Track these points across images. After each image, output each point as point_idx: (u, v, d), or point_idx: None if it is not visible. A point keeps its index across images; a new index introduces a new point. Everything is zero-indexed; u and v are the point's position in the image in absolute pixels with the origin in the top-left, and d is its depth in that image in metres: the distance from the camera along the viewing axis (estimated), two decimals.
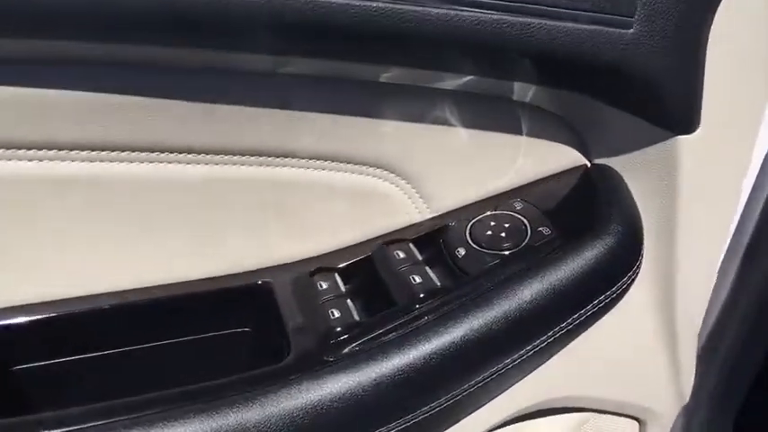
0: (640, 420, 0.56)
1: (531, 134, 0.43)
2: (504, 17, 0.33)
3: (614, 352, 0.48)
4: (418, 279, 0.38)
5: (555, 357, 0.42)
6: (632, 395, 0.53)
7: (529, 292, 0.37)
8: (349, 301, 0.39)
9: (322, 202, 0.41)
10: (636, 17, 0.35)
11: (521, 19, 0.33)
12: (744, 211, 0.54)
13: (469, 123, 0.41)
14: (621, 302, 0.42)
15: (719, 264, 0.53)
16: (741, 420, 0.71)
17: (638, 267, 0.41)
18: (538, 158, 0.44)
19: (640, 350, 0.50)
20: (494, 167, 0.44)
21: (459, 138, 0.42)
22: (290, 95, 0.38)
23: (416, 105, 0.40)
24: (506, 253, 0.40)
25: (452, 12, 0.33)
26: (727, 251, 0.53)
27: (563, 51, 0.35)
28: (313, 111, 0.39)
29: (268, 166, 0.40)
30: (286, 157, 0.40)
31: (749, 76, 0.44)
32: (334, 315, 0.38)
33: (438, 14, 0.32)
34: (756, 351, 0.68)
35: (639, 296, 0.46)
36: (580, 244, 0.38)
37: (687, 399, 0.57)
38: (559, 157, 0.44)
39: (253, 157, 0.39)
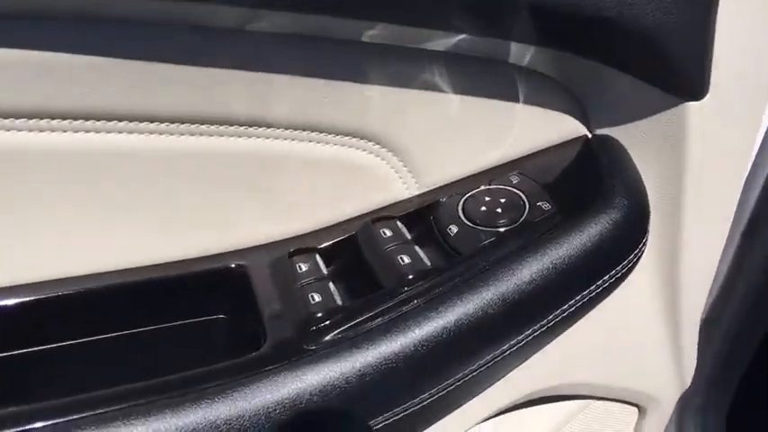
0: (640, 407, 0.54)
1: (528, 102, 0.40)
2: None
3: (616, 336, 0.46)
4: (407, 259, 0.35)
5: (554, 342, 0.39)
6: (633, 381, 0.50)
7: (528, 271, 0.34)
8: (331, 284, 0.36)
9: (300, 177, 0.38)
10: None
11: None
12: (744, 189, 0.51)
13: (461, 89, 0.38)
14: (625, 282, 0.39)
15: (724, 243, 0.51)
16: (735, 407, 0.70)
17: (645, 244, 0.38)
18: (535, 128, 0.41)
19: (642, 333, 0.48)
20: (488, 138, 0.40)
21: (451, 105, 0.38)
22: (263, 56, 0.34)
23: (403, 69, 0.37)
24: (502, 230, 0.37)
25: None
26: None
27: (563, 5, 0.32)
28: (288, 74, 0.35)
29: (239, 137, 0.36)
30: (259, 127, 0.36)
31: (760, 37, 0.41)
32: (314, 299, 0.34)
33: None
34: (754, 335, 0.67)
35: (643, 275, 0.43)
36: (583, 219, 0.35)
37: (688, 384, 0.54)
38: (558, 128, 0.41)
39: (222, 127, 0.35)
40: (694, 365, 0.54)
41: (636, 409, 0.55)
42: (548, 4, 0.32)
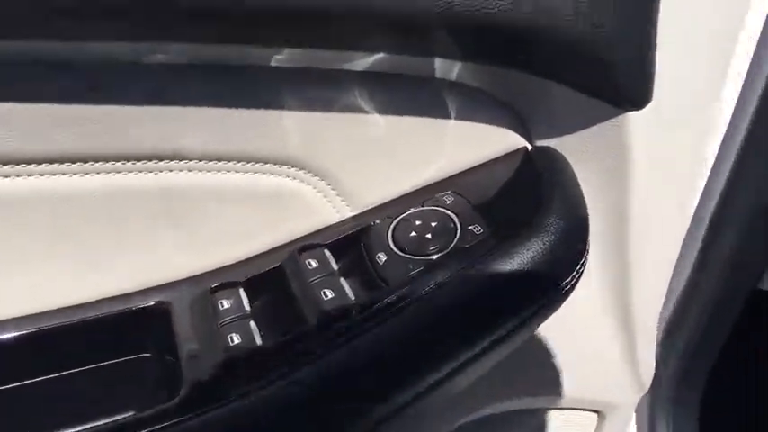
0: (599, 412, 0.53)
1: (460, 117, 0.37)
2: None
3: (566, 351, 0.45)
4: (330, 294, 0.33)
5: (495, 366, 0.37)
6: (589, 391, 0.49)
7: (457, 304, 0.32)
8: (252, 322, 0.34)
9: (221, 209, 0.36)
10: None
11: None
12: (704, 192, 0.49)
13: (385, 109, 0.36)
14: (569, 301, 0.38)
15: (680, 248, 0.49)
16: (706, 400, 0.69)
17: (583, 265, 0.36)
18: (471, 143, 0.39)
19: (595, 346, 0.47)
20: (420, 156, 0.38)
21: (375, 125, 0.36)
22: (167, 88, 0.32)
23: (320, 92, 0.34)
24: (434, 257, 0.35)
25: None
26: (688, 232, 0.48)
27: (491, 21, 0.29)
28: (196, 105, 0.33)
29: (150, 172, 0.34)
30: (172, 161, 0.34)
31: (705, 42, 0.39)
32: (233, 341, 0.33)
33: None
34: (721, 328, 0.66)
35: (590, 291, 0.42)
36: (514, 244, 0.34)
37: (647, 388, 0.54)
38: (496, 141, 0.39)
39: (129, 163, 0.33)
40: (653, 368, 0.53)
41: (595, 414, 0.54)
42: (473, 20, 0.30)
